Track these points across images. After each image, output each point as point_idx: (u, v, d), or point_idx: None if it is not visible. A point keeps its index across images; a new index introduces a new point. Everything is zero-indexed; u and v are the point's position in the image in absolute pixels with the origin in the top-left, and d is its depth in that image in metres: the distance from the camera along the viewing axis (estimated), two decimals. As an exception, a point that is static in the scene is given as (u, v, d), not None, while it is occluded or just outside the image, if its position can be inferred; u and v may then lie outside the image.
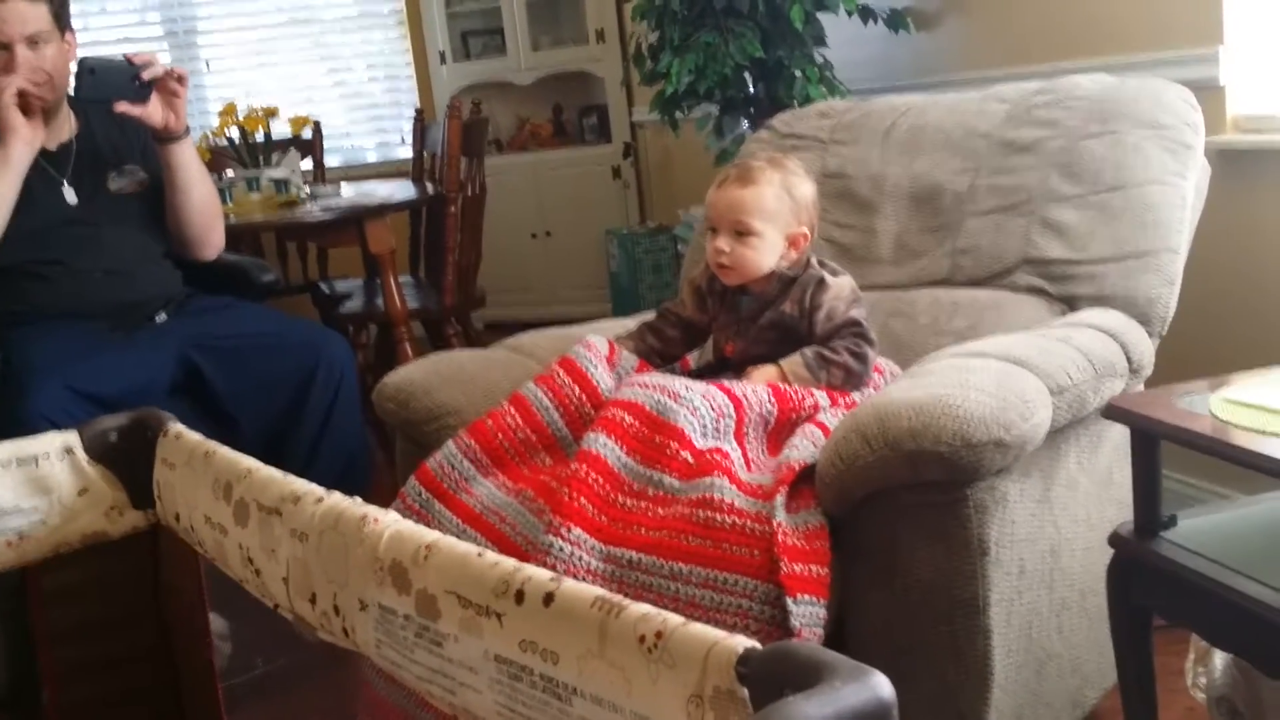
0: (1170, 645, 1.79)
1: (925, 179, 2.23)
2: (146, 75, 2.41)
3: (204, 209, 2.61)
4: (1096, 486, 1.84)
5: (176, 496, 1.25)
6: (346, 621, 0.97)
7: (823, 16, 3.53)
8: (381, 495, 2.05)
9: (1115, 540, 1.51)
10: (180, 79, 2.44)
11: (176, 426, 1.28)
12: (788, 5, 3.28)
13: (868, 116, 2.38)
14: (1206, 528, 1.49)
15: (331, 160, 5.74)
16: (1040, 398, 1.57)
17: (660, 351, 2.08)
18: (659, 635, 0.68)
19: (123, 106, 2.41)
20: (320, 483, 2.57)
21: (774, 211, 1.95)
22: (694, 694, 0.65)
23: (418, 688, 0.90)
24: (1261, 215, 2.44)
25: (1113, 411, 1.48)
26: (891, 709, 0.55)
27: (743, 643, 0.64)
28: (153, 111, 2.43)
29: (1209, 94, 2.48)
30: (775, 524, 1.55)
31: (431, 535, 0.89)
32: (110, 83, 2.40)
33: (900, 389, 1.61)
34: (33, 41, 2.39)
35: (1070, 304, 2.00)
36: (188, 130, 2.52)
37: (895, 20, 3.51)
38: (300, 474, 2.55)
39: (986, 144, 2.19)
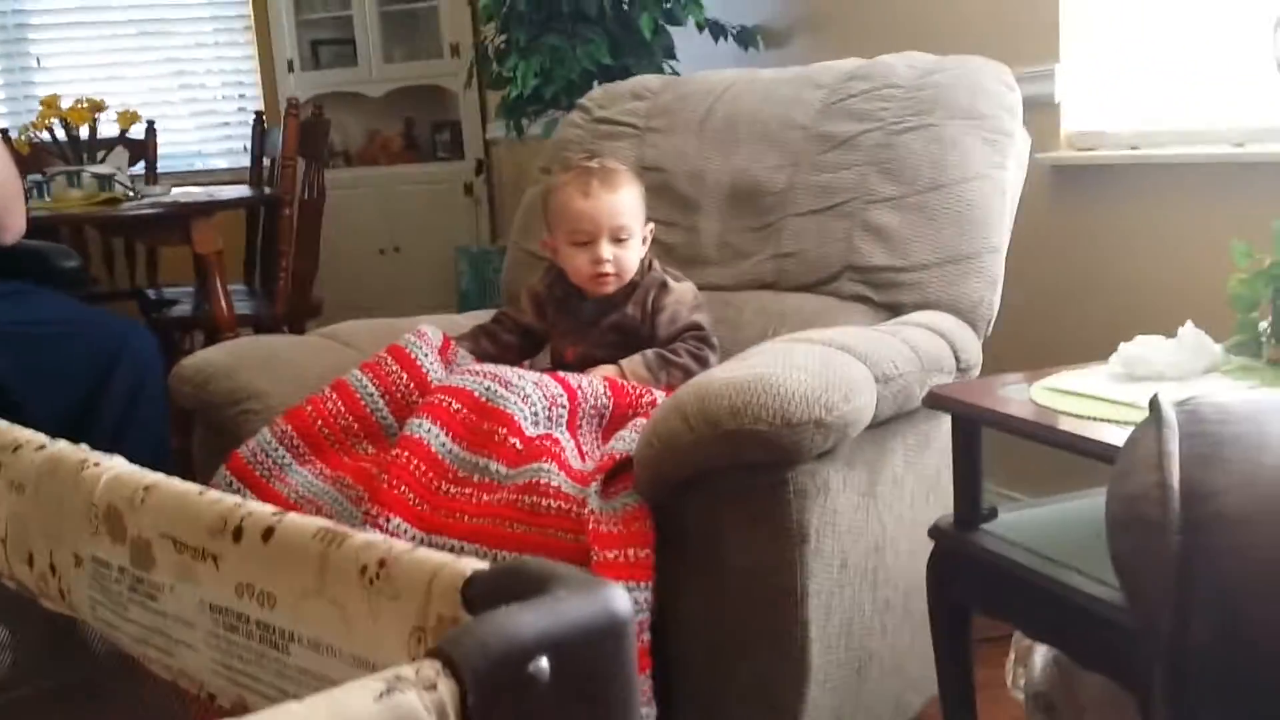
0: (995, 657, 1.76)
1: (744, 175, 2.16)
2: None
3: (-1, 190, 2.42)
4: (924, 488, 1.80)
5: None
6: (63, 581, 0.85)
7: (674, 30, 3.51)
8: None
9: (935, 532, 1.47)
10: None
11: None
12: (637, 14, 3.23)
13: (683, 100, 2.30)
14: (1026, 520, 1.46)
15: (173, 166, 5.51)
16: (864, 382, 1.53)
17: (495, 357, 1.99)
18: (382, 564, 0.59)
19: None
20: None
21: (638, 211, 1.97)
22: (416, 626, 0.56)
23: (135, 651, 0.78)
24: (1091, 228, 2.47)
25: (934, 399, 1.44)
26: (624, 625, 0.47)
27: (472, 564, 0.55)
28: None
29: (1045, 110, 2.51)
30: (587, 512, 1.47)
31: (153, 476, 0.78)
32: None
33: (723, 369, 1.55)
34: None
35: (895, 311, 1.95)
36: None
37: (745, 37, 3.49)
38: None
39: (803, 137, 2.13)
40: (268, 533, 0.65)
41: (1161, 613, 0.88)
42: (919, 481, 1.79)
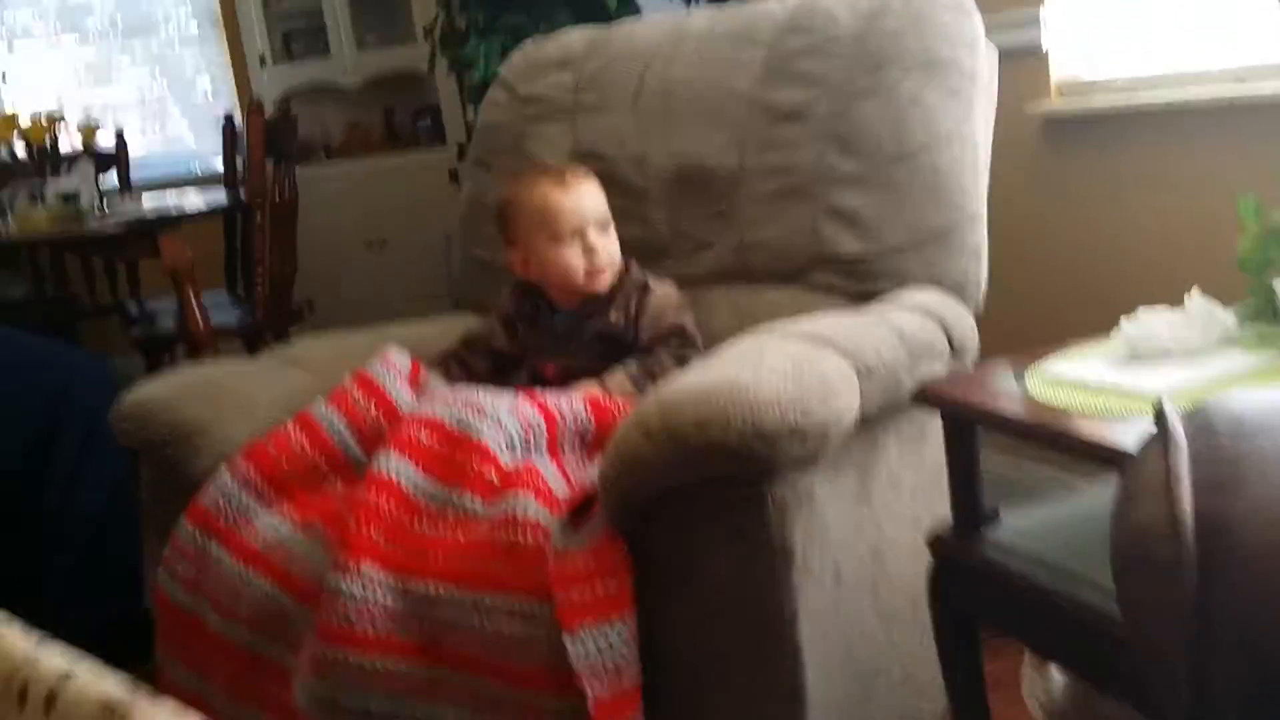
0: (1011, 650, 1.63)
1: (690, 158, 1.98)
2: None
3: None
4: (926, 483, 1.66)
5: None
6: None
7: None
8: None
9: (933, 542, 1.34)
10: None
11: None
12: (600, -16, 3.08)
13: (611, 68, 2.11)
14: (1033, 523, 1.33)
15: (160, 172, 5.39)
16: (845, 380, 1.39)
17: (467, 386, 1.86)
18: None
19: None
20: (83, 517, 2.26)
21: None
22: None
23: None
24: (1088, 181, 2.32)
25: (922, 395, 1.31)
26: None
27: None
28: None
29: (1032, 60, 2.36)
30: (549, 550, 1.35)
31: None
32: None
33: (688, 375, 1.42)
34: None
35: (873, 300, 1.77)
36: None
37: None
38: (59, 509, 2.25)
39: (748, 109, 1.94)
40: (50, 700, 0.52)
41: (1178, 663, 0.74)
42: (919, 476, 1.65)
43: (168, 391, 1.76)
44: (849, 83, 1.85)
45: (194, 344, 3.50)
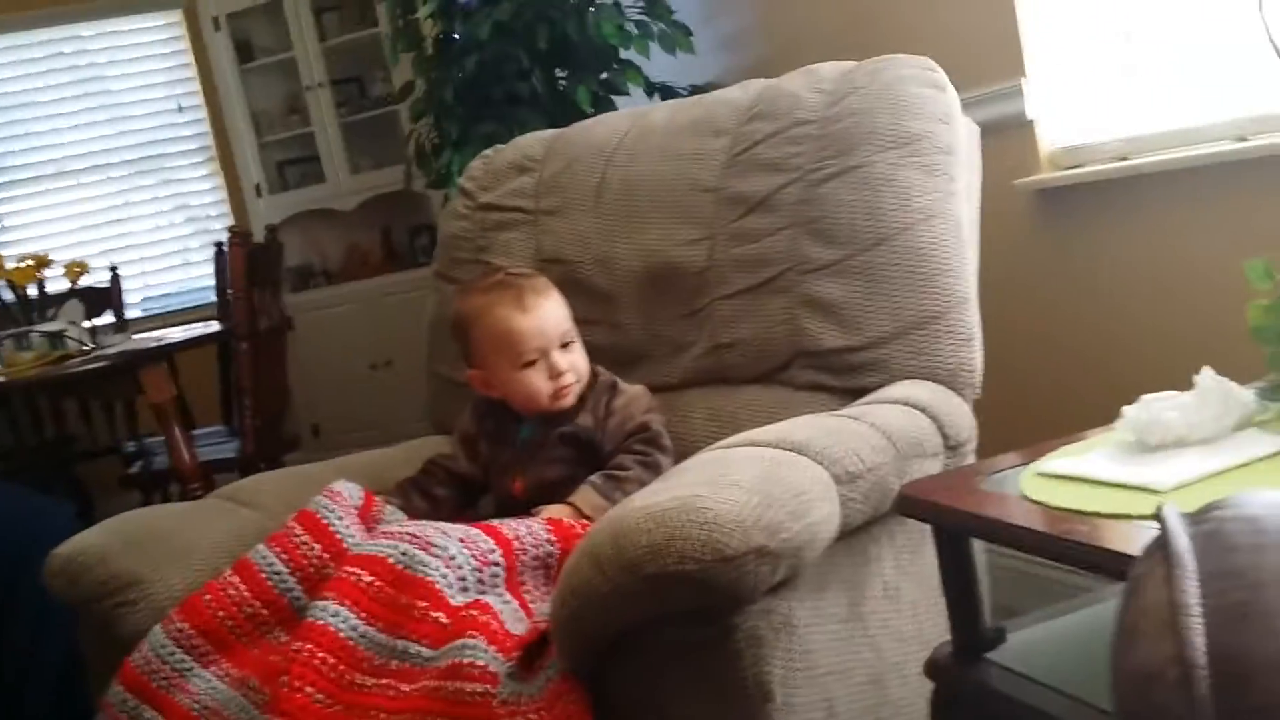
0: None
1: (658, 257, 1.85)
2: None
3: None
4: (928, 594, 1.49)
5: None
6: None
7: (623, 100, 3.28)
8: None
9: (932, 668, 1.18)
10: None
11: None
12: (573, 88, 3.00)
13: (572, 168, 2.00)
14: (1044, 640, 1.16)
15: (162, 306, 5.39)
16: (820, 490, 1.24)
17: (428, 515, 1.72)
18: None
19: None
20: (47, 667, 2.13)
21: (569, 311, 1.77)
22: None
23: None
24: (1087, 254, 2.18)
25: (905, 503, 1.16)
26: None
27: None
28: None
29: (1018, 131, 2.25)
30: (496, 704, 1.20)
31: None
32: None
33: (644, 494, 1.27)
34: None
35: (861, 395, 1.63)
36: None
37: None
38: (24, 660, 2.12)
39: (714, 201, 1.82)
40: None
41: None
42: (921, 587, 1.49)
43: (101, 542, 1.62)
44: (818, 166, 1.73)
45: (181, 480, 3.37)
